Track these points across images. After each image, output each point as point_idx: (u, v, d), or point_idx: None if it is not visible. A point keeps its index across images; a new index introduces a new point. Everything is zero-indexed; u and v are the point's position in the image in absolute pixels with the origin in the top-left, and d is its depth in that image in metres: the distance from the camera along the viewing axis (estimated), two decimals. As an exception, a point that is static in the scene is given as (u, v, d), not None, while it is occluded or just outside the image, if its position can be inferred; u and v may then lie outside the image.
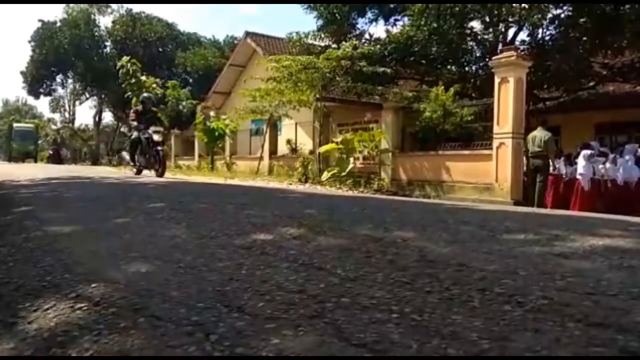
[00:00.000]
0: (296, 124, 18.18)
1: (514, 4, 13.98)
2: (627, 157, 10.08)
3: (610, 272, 1.89)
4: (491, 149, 10.85)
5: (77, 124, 55.23)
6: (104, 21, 44.59)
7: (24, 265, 2.13)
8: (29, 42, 43.04)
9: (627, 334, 1.26)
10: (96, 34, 42.96)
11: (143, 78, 24.42)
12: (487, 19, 14.78)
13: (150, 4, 70.10)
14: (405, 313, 1.42)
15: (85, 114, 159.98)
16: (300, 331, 1.29)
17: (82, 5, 43.13)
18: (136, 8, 56.60)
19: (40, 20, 43.03)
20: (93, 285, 1.74)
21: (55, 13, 75.62)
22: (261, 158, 18.10)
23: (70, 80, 47.68)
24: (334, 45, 15.68)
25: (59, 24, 42.65)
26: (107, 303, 1.55)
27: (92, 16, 43.41)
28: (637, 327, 1.31)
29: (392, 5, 16.50)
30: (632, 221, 4.14)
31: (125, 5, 45.02)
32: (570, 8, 13.47)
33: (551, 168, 10.24)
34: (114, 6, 44.11)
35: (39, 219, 3.48)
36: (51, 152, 38.48)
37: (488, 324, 1.32)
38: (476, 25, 15.54)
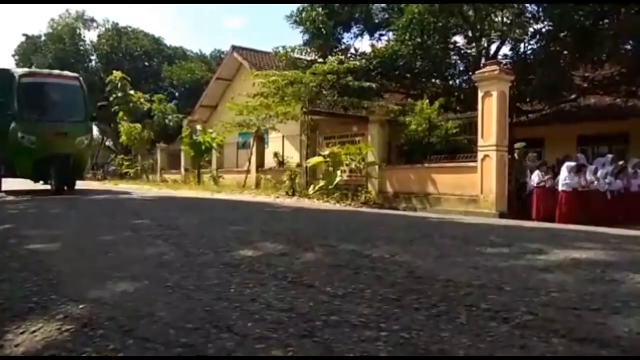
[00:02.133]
0: (283, 137, 18.20)
1: (496, 20, 14.24)
2: (606, 169, 10.29)
3: (593, 286, 1.93)
4: (476, 161, 10.96)
5: (61, 138, 54.58)
6: (90, 35, 44.39)
7: (11, 286, 2.10)
8: (13, 56, 42.75)
9: (609, 349, 1.29)
10: (81, 48, 42.77)
11: (131, 92, 24.33)
12: (470, 34, 15.01)
13: (150, 4, 69.26)
14: (393, 330, 1.43)
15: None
16: (289, 351, 1.30)
17: (67, 19, 42.99)
18: (122, 22, 56.68)
19: (24, 35, 42.81)
20: (80, 306, 1.73)
21: (39, 27, 75.47)
22: (248, 171, 18.05)
23: (54, 95, 47.20)
24: (320, 60, 15.79)
25: (43, 38, 42.43)
26: (95, 325, 1.54)
27: (77, 30, 43.26)
28: (619, 342, 1.34)
29: (376, 21, 16.70)
30: (613, 233, 4.22)
31: (111, 20, 45.05)
32: (551, 23, 13.76)
33: (536, 180, 10.44)
34: (100, 20, 44.14)
35: (24, 236, 3.44)
36: None
37: (475, 341, 1.34)
38: (459, 40, 15.79)
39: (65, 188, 9.85)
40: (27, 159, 9.31)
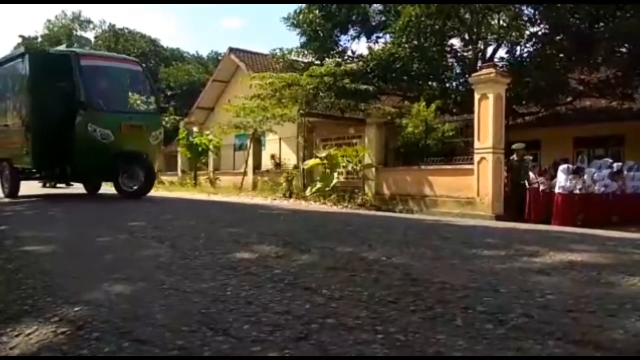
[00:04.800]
0: (280, 139, 18.20)
1: (492, 23, 14.30)
2: (603, 172, 10.33)
3: (589, 289, 1.94)
4: (472, 163, 10.99)
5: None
6: (86, 37, 44.28)
7: (6, 288, 2.09)
8: (9, 57, 42.63)
9: (605, 351, 1.30)
10: (78, 49, 42.72)
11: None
12: (467, 37, 15.08)
13: (147, 4, 68.76)
14: (390, 333, 1.43)
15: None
16: (286, 354, 1.30)
17: (63, 20, 42.93)
18: (119, 24, 56.64)
19: (20, 36, 42.68)
20: (76, 308, 1.72)
21: (36, 28, 75.01)
22: (245, 173, 18.02)
23: (50, 96, 47.07)
24: (317, 62, 15.82)
25: (39, 39, 42.31)
26: (91, 327, 1.53)
27: (74, 32, 43.16)
28: (615, 344, 1.34)
29: (373, 23, 16.76)
30: (609, 236, 4.23)
31: (108, 21, 45.01)
32: (547, 26, 13.84)
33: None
34: (96, 22, 44.06)
35: (20, 238, 3.43)
36: None
37: (471, 343, 1.34)
38: (456, 42, 15.88)
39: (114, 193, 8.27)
40: (97, 156, 7.63)
